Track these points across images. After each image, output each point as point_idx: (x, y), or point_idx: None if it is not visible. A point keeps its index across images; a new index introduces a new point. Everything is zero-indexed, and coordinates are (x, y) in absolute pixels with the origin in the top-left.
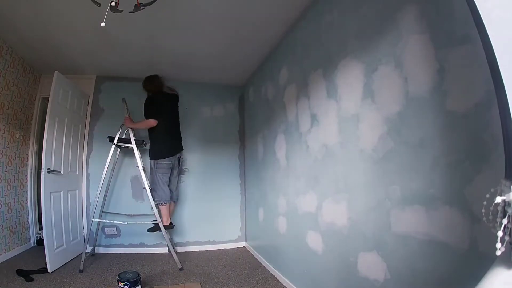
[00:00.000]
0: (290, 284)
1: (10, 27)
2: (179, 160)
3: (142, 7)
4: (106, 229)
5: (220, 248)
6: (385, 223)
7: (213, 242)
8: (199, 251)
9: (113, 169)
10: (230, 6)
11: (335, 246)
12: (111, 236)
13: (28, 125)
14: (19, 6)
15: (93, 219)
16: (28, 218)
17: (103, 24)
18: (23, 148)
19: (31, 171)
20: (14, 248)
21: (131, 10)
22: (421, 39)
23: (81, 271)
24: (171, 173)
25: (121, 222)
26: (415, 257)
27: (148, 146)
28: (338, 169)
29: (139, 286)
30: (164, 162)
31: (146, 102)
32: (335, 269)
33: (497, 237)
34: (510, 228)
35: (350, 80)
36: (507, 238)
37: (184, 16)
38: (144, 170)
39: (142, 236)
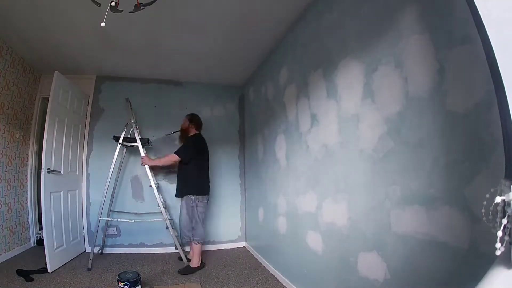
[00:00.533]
0: (290, 284)
1: (10, 27)
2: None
3: (142, 7)
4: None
5: (220, 248)
6: (385, 223)
7: (213, 242)
8: None
9: (119, 168)
10: (230, 6)
11: (335, 246)
12: (111, 236)
13: (28, 125)
14: (19, 6)
15: (101, 218)
16: (28, 218)
17: (103, 24)
18: (23, 148)
19: (31, 171)
20: (14, 248)
21: (131, 10)
22: (421, 39)
23: (89, 269)
24: None
25: (128, 220)
26: (415, 257)
27: (150, 147)
28: (338, 169)
29: (139, 286)
30: (205, 200)
31: (191, 138)
32: (335, 269)
33: (497, 237)
34: (510, 228)
35: (350, 80)
36: (506, 238)
37: (184, 16)
38: (151, 169)
39: (142, 236)
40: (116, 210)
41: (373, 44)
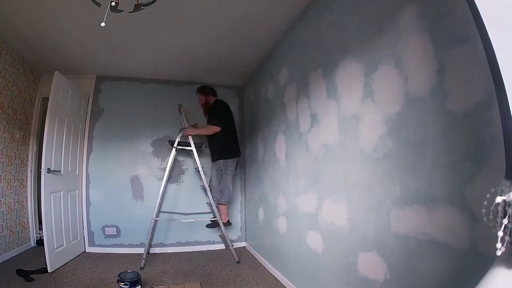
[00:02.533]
0: (290, 284)
1: (10, 27)
2: (237, 162)
3: (142, 7)
4: (106, 229)
5: (220, 248)
6: (385, 223)
7: (213, 242)
8: (199, 251)
9: (170, 171)
10: (230, 6)
11: (335, 246)
12: (111, 236)
13: (28, 125)
14: (19, 6)
15: (154, 218)
16: (28, 218)
17: (103, 24)
18: (23, 148)
19: (31, 171)
20: (14, 248)
21: (131, 10)
22: (421, 39)
23: (141, 268)
24: None
25: (179, 219)
26: (415, 257)
27: (203, 149)
28: (338, 169)
29: (139, 286)
30: (233, 164)
31: (215, 107)
32: (335, 269)
33: (498, 237)
34: (511, 228)
35: (350, 80)
36: (507, 238)
37: (184, 16)
38: (198, 171)
39: (142, 236)
40: (167, 211)
41: (373, 44)
